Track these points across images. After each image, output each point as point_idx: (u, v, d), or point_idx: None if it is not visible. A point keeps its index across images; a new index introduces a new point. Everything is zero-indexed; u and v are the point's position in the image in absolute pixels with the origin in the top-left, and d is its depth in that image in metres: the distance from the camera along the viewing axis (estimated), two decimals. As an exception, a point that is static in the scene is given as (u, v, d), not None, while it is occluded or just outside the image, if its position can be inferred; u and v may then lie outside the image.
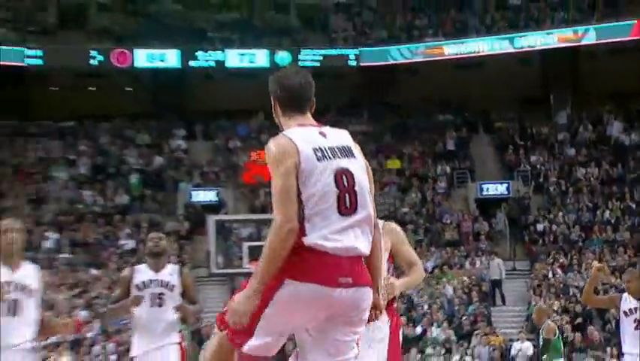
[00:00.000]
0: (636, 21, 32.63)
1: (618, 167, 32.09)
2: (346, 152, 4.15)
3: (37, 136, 34.88)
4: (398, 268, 6.63)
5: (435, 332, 24.31)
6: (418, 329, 24.75)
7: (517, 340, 22.42)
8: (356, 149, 4.27)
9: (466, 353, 22.64)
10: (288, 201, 3.95)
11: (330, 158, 4.04)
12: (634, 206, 30.33)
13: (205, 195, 32.35)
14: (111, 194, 32.40)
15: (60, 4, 38.57)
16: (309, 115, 4.29)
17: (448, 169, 32.88)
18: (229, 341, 4.22)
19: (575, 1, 35.45)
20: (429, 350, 23.21)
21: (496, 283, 26.96)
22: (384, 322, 6.15)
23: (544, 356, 14.10)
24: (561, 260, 27.60)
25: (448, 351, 23.00)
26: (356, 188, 4.06)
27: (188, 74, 35.89)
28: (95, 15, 37.78)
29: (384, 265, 6.15)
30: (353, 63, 35.21)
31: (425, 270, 28.04)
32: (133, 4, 37.90)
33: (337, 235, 4.00)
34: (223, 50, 35.54)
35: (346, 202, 4.02)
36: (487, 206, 31.67)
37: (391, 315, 6.32)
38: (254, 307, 3.98)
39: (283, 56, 35.26)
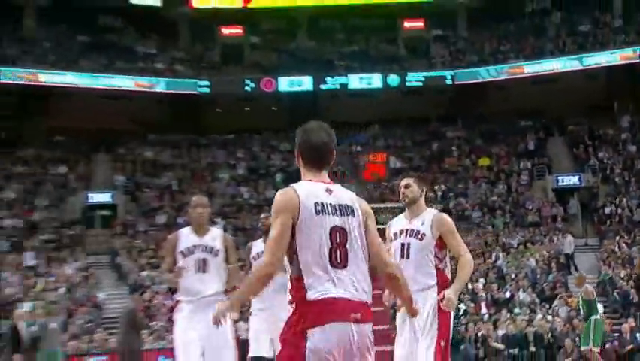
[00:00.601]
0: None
1: (673, 160, 31.39)
2: (346, 210, 3.77)
3: (207, 147, 35.60)
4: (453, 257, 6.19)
5: (521, 295, 24.07)
6: (507, 294, 24.36)
7: (590, 301, 22.33)
8: (358, 206, 3.87)
9: (548, 313, 22.22)
10: (277, 249, 3.65)
11: (328, 213, 3.70)
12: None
13: (334, 189, 32.73)
14: (262, 190, 32.90)
15: (223, 46, 38.93)
16: (324, 172, 3.90)
17: (529, 165, 32.47)
18: None
19: (635, 25, 34.59)
20: (516, 310, 22.92)
21: (570, 256, 26.53)
22: (430, 298, 5.82)
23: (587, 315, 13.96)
24: (625, 237, 26.91)
25: (533, 311, 22.65)
26: (347, 245, 3.71)
27: (319, 95, 35.97)
28: (249, 53, 38.32)
29: (430, 255, 5.87)
30: (449, 82, 35.00)
31: (511, 246, 28.64)
32: (277, 42, 38.34)
33: (333, 285, 3.65)
34: (346, 76, 35.70)
35: (337, 257, 3.66)
36: (563, 194, 31.05)
37: (440, 292, 5.88)
38: (228, 311, 3.92)
39: (393, 79, 35.40)
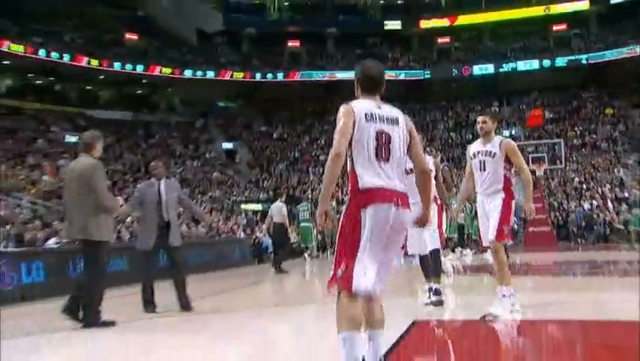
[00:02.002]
0: None
1: None
2: (391, 120, 3.16)
3: (426, 110, 34.16)
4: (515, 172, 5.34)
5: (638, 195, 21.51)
6: (626, 194, 23.18)
7: None
8: (403, 121, 3.21)
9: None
10: (341, 138, 3.04)
11: (376, 121, 3.11)
12: None
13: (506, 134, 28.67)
14: (464, 135, 31.49)
15: (438, 50, 37.04)
16: (377, 96, 3.25)
17: (640, 113, 30.19)
18: (345, 288, 2.99)
19: None
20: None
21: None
22: (499, 196, 5.15)
23: None
24: None
25: (646, 206, 21.46)
26: (390, 145, 3.11)
27: (498, 75, 34.39)
28: (454, 52, 36.71)
29: (500, 168, 5.16)
30: (584, 62, 32.67)
31: (629, 165, 25.75)
32: (471, 44, 36.94)
33: (379, 176, 3.08)
34: (515, 62, 34.04)
35: (382, 153, 3.09)
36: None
37: (506, 193, 5.17)
38: (325, 208, 3.03)
39: (546, 62, 33.46)
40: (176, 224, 6.46)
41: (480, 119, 5.25)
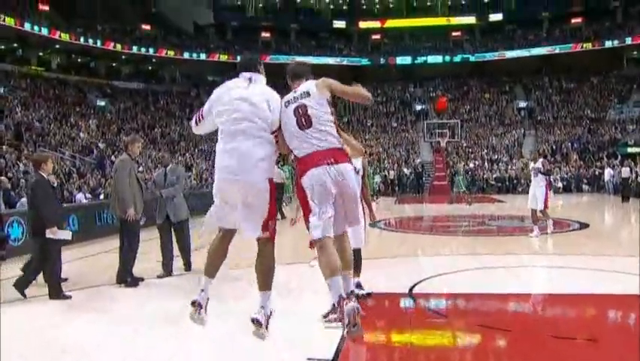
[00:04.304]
0: None
1: None
2: (303, 95, 2.94)
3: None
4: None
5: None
6: None
7: None
8: (314, 88, 2.97)
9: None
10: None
11: (292, 102, 2.95)
12: None
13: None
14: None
15: (372, 46, 36.31)
16: (299, 82, 3.07)
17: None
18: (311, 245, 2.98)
19: None
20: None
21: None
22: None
23: None
24: None
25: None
26: (308, 113, 2.90)
27: (414, 65, 34.67)
28: (384, 47, 36.51)
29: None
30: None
31: None
32: (396, 40, 36.71)
33: (307, 143, 2.89)
34: (417, 55, 34.52)
35: (302, 123, 2.89)
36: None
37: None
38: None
39: (458, 57, 34.33)
40: (172, 200, 6.10)
41: None
